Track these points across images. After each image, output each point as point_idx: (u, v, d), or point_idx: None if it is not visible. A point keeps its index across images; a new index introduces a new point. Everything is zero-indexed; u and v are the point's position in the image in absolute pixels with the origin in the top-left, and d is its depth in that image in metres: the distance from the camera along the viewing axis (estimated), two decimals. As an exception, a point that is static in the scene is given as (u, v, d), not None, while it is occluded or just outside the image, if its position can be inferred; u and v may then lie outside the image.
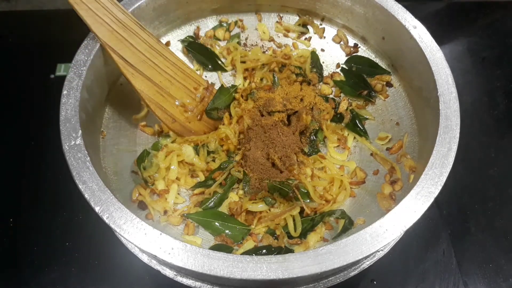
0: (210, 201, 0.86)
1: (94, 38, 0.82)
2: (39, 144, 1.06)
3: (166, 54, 0.90)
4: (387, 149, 0.91)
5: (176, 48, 1.03)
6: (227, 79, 1.03)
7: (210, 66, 1.03)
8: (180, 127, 0.91)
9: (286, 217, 0.82)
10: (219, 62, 1.04)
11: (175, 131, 0.91)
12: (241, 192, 0.88)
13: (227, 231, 0.82)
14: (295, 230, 0.81)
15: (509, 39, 1.31)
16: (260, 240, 0.82)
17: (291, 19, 1.07)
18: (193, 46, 1.03)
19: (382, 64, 1.00)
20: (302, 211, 0.83)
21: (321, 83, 1.02)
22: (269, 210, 0.85)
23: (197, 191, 0.87)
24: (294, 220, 0.82)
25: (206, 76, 1.03)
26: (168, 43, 1.02)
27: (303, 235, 0.81)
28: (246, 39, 1.07)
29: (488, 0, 1.41)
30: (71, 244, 0.95)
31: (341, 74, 1.02)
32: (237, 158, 0.90)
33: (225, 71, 1.04)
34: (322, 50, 1.05)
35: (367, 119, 0.96)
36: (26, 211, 0.98)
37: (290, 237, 0.81)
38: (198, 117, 0.93)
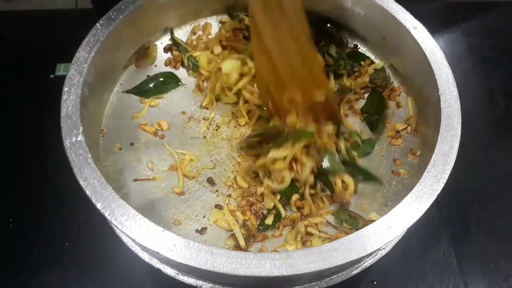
0: None
1: (96, 36, 0.82)
2: (39, 144, 1.06)
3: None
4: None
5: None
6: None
7: None
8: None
9: None
10: None
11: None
12: None
13: None
14: None
15: (509, 39, 1.32)
16: None
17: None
18: None
19: (381, 63, 1.00)
20: None
21: None
22: None
23: None
24: None
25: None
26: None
27: None
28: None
29: (488, 0, 1.41)
30: (71, 244, 0.94)
31: None
32: None
33: None
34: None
35: None
36: (26, 211, 0.98)
37: None
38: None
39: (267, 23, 0.81)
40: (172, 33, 1.02)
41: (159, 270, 0.77)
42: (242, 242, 0.79)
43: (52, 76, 1.17)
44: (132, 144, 0.90)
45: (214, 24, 1.07)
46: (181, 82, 1.00)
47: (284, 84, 0.84)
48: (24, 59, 1.21)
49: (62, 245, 0.94)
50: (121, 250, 0.82)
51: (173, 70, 1.01)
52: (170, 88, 0.98)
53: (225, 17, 1.07)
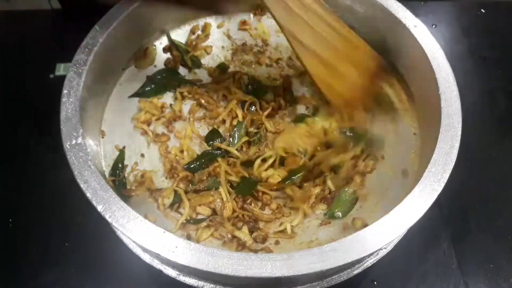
0: None
1: (94, 37, 0.82)
2: (39, 144, 1.05)
3: (336, 25, 0.87)
4: None
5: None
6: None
7: None
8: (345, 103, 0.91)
9: None
10: None
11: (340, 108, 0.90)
12: None
13: None
14: None
15: (509, 39, 1.32)
16: None
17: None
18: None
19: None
20: None
21: None
22: None
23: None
24: None
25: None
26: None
27: None
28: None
29: (488, 0, 1.41)
30: (71, 245, 0.94)
31: None
32: None
33: None
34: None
35: None
36: (26, 211, 0.98)
37: None
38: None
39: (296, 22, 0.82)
40: (169, 36, 1.02)
41: (160, 271, 0.77)
42: None
43: (52, 76, 1.17)
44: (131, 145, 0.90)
45: (213, 24, 1.07)
46: (182, 79, 1.00)
47: (343, 77, 0.87)
48: (23, 59, 1.21)
49: (62, 245, 0.94)
50: (121, 251, 0.82)
51: (172, 71, 1.01)
52: (170, 88, 0.98)
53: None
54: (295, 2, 0.81)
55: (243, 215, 0.82)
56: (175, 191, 0.83)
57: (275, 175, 0.84)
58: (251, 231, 0.80)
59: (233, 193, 0.84)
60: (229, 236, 0.79)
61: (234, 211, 0.83)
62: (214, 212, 0.83)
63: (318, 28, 0.83)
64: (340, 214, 0.82)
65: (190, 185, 0.86)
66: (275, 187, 0.85)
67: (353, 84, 0.88)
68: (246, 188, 0.85)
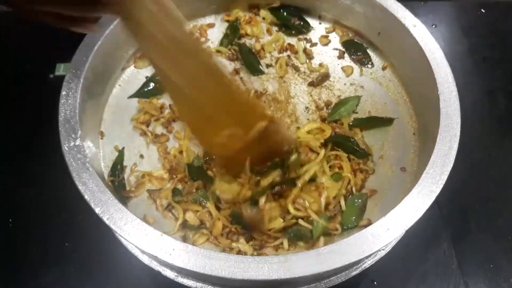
0: None
1: (93, 38, 0.82)
2: (38, 144, 1.06)
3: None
4: None
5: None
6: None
7: None
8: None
9: None
10: None
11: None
12: None
13: None
14: None
15: (509, 39, 1.31)
16: None
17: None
18: None
19: (380, 62, 1.00)
20: None
21: None
22: None
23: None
24: None
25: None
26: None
27: None
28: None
29: (488, 0, 1.41)
30: (71, 245, 0.95)
31: None
32: None
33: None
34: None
35: None
36: (26, 211, 0.98)
37: None
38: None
39: (168, 61, 0.67)
40: None
41: (158, 272, 0.77)
42: None
43: (52, 76, 1.17)
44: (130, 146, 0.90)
45: (213, 23, 1.07)
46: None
47: (218, 124, 0.74)
48: (23, 59, 1.21)
49: (62, 245, 0.95)
50: (120, 252, 0.82)
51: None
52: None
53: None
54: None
55: (236, 228, 0.79)
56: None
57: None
58: (248, 240, 0.78)
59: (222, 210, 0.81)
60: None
61: (225, 226, 0.79)
62: (202, 223, 0.80)
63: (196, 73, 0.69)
64: (350, 225, 0.79)
65: (179, 196, 0.83)
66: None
67: (230, 135, 0.73)
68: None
